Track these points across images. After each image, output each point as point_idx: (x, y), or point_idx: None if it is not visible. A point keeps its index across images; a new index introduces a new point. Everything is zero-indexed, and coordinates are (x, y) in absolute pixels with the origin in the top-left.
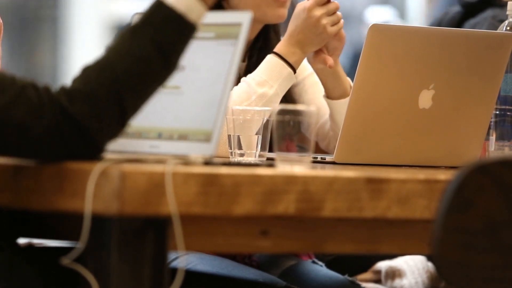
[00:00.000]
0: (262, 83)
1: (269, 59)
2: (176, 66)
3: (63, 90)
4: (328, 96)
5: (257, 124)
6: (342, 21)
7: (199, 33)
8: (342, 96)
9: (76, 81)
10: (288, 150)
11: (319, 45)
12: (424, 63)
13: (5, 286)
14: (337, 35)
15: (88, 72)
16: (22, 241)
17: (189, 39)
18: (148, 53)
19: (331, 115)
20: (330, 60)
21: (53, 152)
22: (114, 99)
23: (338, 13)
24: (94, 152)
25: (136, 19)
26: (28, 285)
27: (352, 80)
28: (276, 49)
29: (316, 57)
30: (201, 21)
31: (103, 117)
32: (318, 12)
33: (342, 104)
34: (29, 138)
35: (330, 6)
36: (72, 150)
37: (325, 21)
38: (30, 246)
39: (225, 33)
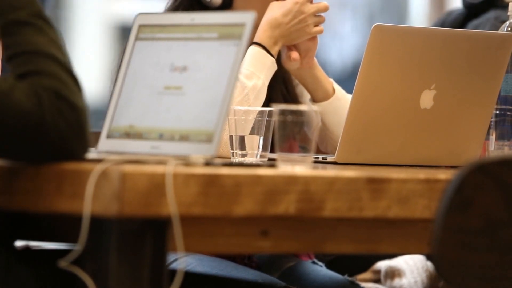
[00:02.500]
0: (249, 76)
1: (252, 50)
2: None
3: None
4: (312, 99)
5: (258, 124)
6: (322, 27)
7: (202, 33)
8: (325, 98)
9: None
10: (289, 150)
11: (294, 41)
12: (426, 63)
13: None
14: (312, 37)
15: None
16: (19, 243)
17: None
18: None
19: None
20: (294, 54)
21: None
22: None
23: (323, 15)
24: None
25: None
26: None
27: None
28: (257, 39)
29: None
30: None
31: None
32: (308, 9)
33: (326, 106)
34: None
35: (320, 6)
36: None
37: (311, 20)
38: (27, 248)
39: (228, 33)
